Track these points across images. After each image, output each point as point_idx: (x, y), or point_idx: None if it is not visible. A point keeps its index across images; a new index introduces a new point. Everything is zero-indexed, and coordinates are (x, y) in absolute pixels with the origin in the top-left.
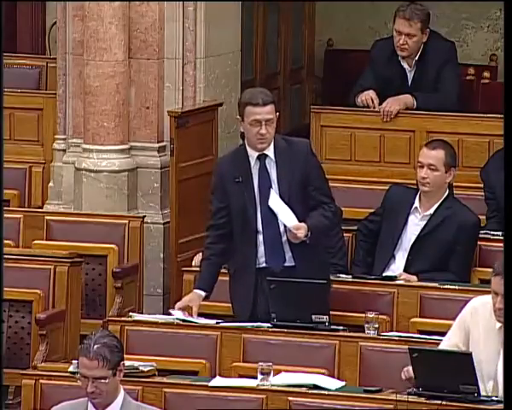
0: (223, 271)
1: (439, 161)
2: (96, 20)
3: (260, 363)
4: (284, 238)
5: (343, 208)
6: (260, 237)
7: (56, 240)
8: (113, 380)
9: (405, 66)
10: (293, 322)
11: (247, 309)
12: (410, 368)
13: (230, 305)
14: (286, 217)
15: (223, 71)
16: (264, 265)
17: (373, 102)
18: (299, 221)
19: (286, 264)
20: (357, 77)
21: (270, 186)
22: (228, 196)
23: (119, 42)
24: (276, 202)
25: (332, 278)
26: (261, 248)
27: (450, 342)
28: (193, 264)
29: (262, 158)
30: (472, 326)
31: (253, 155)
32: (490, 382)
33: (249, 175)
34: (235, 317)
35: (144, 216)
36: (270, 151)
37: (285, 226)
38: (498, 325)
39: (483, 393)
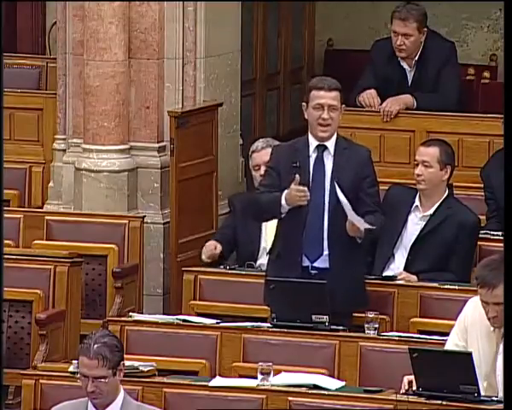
0: (224, 271)
1: (432, 157)
2: (96, 20)
3: (260, 363)
4: (326, 234)
5: None
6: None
7: (56, 240)
8: (113, 380)
9: (405, 66)
10: (293, 322)
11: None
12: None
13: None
14: (350, 209)
15: (223, 71)
16: (306, 262)
17: (374, 101)
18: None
19: (320, 265)
20: (357, 77)
21: (324, 179)
22: (281, 181)
23: (119, 42)
24: (341, 195)
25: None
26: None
27: (452, 342)
28: (202, 257)
29: (321, 149)
30: (470, 325)
31: (313, 143)
32: (484, 382)
33: (307, 162)
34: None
35: (144, 216)
36: (330, 144)
37: (345, 219)
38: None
39: None
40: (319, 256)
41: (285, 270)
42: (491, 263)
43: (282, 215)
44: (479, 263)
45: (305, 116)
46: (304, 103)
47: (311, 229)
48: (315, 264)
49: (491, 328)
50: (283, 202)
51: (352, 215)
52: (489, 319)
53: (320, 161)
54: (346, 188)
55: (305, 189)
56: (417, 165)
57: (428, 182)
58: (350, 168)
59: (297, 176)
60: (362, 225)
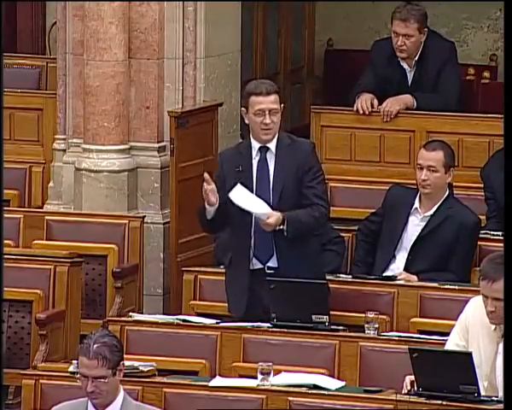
0: (224, 271)
1: (438, 162)
2: (96, 20)
3: (260, 363)
4: (273, 234)
5: (343, 208)
6: (253, 228)
7: (56, 240)
8: (113, 380)
9: (405, 66)
10: (293, 322)
11: (241, 307)
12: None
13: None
14: (253, 206)
15: (223, 71)
16: (258, 265)
17: (372, 106)
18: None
19: (269, 264)
20: (358, 77)
21: (268, 180)
22: (227, 187)
23: (119, 42)
24: (240, 194)
25: (332, 277)
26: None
27: (453, 341)
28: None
29: (263, 150)
30: (471, 325)
31: (255, 146)
32: (485, 382)
33: (250, 166)
34: (230, 313)
35: (144, 216)
36: (272, 145)
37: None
38: (493, 326)
39: None
40: (270, 257)
41: (237, 276)
42: (496, 258)
43: (209, 218)
44: (485, 258)
45: (246, 121)
46: (243, 108)
47: (260, 231)
48: (268, 264)
49: (492, 327)
50: (206, 204)
51: (256, 214)
52: (487, 314)
53: (263, 162)
54: (290, 183)
55: (210, 185)
56: (421, 169)
57: (434, 186)
58: (292, 164)
59: (205, 174)
60: (262, 216)
